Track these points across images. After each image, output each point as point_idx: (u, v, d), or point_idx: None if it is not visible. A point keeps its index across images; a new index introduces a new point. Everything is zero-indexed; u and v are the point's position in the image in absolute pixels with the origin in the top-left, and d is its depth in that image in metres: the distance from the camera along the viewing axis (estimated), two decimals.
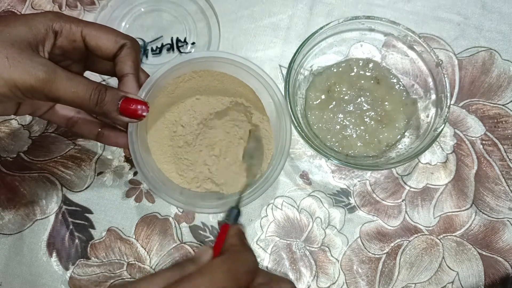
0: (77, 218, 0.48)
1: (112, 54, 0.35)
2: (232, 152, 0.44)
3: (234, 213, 0.35)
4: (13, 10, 0.55)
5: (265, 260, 0.46)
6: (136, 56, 0.36)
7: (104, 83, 0.36)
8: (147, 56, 0.52)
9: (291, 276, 0.46)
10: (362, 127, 0.47)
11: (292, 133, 0.41)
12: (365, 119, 0.47)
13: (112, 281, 0.46)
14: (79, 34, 0.34)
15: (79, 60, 0.38)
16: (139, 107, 0.34)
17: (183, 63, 0.39)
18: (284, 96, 0.41)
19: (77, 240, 0.47)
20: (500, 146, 0.49)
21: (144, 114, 0.34)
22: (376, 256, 0.47)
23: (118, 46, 0.35)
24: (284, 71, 0.52)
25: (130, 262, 0.46)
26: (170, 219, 0.48)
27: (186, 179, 0.42)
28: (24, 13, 0.54)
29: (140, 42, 0.52)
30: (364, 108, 0.48)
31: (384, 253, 0.47)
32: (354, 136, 0.47)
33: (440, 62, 0.45)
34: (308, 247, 0.47)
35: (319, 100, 0.48)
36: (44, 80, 0.30)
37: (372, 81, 0.48)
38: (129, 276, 0.46)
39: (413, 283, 0.46)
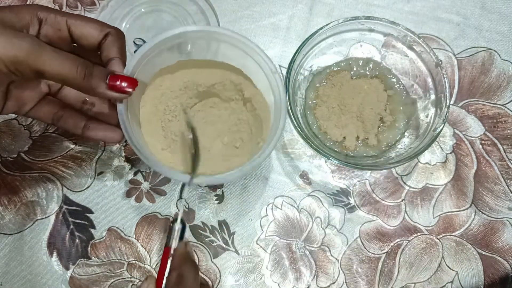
0: (77, 218, 0.48)
1: (97, 43, 0.35)
2: (231, 134, 0.44)
3: (176, 230, 0.32)
4: None
5: (265, 260, 0.46)
6: (122, 43, 0.36)
7: None
8: None
9: (291, 275, 0.46)
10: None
11: (286, 116, 0.39)
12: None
13: (112, 280, 0.46)
14: (64, 23, 0.34)
15: None
16: (126, 83, 0.34)
17: (174, 36, 0.39)
18: (274, 68, 0.40)
19: (77, 240, 0.47)
20: (499, 146, 0.49)
21: (130, 90, 0.34)
22: (376, 255, 0.47)
23: (103, 35, 0.35)
24: (284, 71, 0.52)
25: (131, 262, 0.47)
26: (171, 218, 0.48)
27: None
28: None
29: (140, 43, 0.52)
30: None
31: (383, 253, 0.47)
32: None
33: (440, 62, 0.45)
34: (308, 247, 0.47)
35: None
36: (29, 50, 0.30)
37: None
38: (130, 276, 0.46)
39: (412, 283, 0.46)
